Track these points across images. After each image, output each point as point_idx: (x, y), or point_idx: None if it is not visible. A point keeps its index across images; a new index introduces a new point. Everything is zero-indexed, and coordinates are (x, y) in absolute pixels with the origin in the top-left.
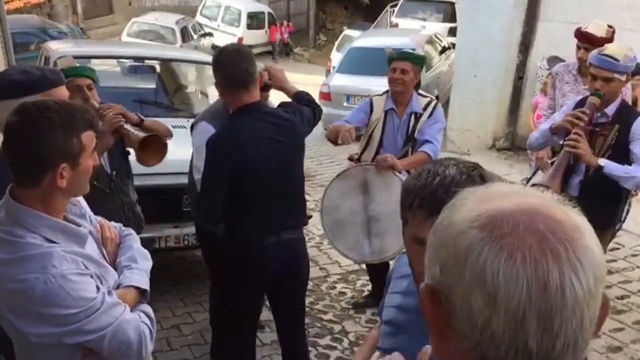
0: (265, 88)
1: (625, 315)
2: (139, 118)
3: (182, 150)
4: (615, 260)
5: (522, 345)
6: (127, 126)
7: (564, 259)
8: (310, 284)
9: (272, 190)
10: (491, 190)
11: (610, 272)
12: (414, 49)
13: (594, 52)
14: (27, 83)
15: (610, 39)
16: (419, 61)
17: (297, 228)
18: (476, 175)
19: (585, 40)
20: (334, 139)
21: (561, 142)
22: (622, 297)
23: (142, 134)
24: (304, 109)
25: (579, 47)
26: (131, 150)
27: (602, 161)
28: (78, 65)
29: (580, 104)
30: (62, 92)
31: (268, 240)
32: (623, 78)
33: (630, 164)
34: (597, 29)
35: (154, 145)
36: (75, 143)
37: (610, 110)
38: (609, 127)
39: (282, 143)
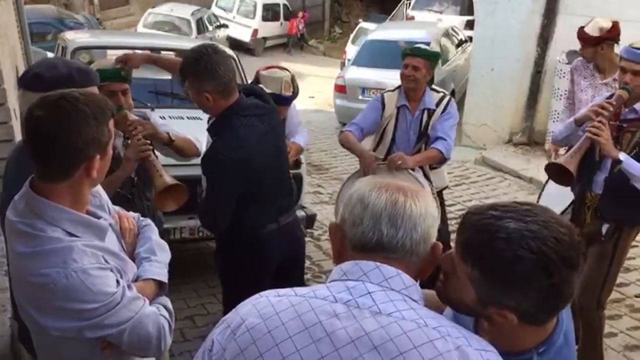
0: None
1: None
2: (169, 137)
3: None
4: (633, 258)
5: (379, 230)
6: (154, 159)
7: (409, 195)
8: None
9: (269, 179)
10: (381, 177)
11: (627, 270)
12: (428, 43)
13: (625, 45)
14: (50, 79)
15: (603, 37)
16: (433, 58)
17: (292, 208)
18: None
19: (579, 38)
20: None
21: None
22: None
23: (167, 179)
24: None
25: None
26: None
27: (622, 155)
28: (114, 68)
29: (610, 99)
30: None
31: (269, 229)
32: None
33: None
34: (592, 28)
35: (174, 193)
36: (106, 133)
37: None
38: (638, 124)
39: (272, 130)
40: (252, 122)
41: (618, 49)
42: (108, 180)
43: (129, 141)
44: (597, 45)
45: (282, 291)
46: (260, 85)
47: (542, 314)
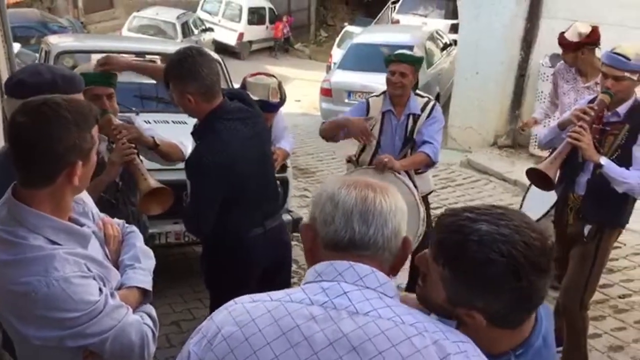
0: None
1: (627, 314)
2: (154, 141)
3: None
4: (617, 259)
5: (351, 228)
6: (139, 163)
7: (378, 191)
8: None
9: (254, 184)
10: (350, 175)
11: (611, 271)
12: (411, 47)
13: (607, 50)
14: (33, 86)
15: (582, 42)
16: (417, 63)
17: (278, 212)
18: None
19: (559, 44)
20: (332, 137)
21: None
22: (624, 296)
23: (151, 182)
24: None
25: None
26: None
27: (603, 160)
28: (97, 71)
29: (593, 102)
30: None
31: (254, 233)
32: (635, 77)
33: None
34: (572, 34)
35: (159, 196)
36: (88, 139)
37: (622, 109)
38: (620, 127)
39: (257, 135)
40: (235, 126)
41: (600, 53)
42: (92, 184)
43: (114, 145)
44: (577, 51)
45: (257, 296)
46: (247, 92)
47: (512, 317)
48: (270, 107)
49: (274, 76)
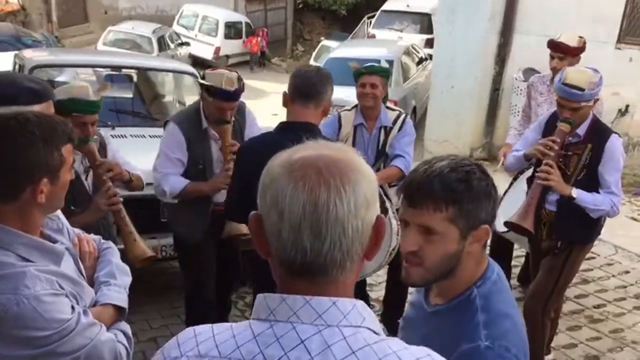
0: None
1: (602, 324)
2: (129, 177)
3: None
4: (591, 270)
5: (301, 246)
6: (125, 215)
7: (332, 187)
8: None
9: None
10: (301, 146)
11: (586, 282)
12: (391, 61)
13: (558, 80)
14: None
15: (582, 48)
16: (386, 74)
17: None
18: (462, 171)
19: (560, 50)
20: None
21: (533, 175)
22: (598, 306)
23: (144, 247)
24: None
25: (552, 57)
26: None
27: (575, 192)
28: (90, 100)
29: (551, 119)
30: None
31: None
32: (591, 103)
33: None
34: (570, 39)
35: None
36: (56, 157)
37: (582, 130)
38: (582, 147)
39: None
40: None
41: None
42: (76, 220)
43: (92, 171)
44: (576, 56)
45: (200, 337)
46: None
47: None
48: (224, 94)
49: (236, 72)
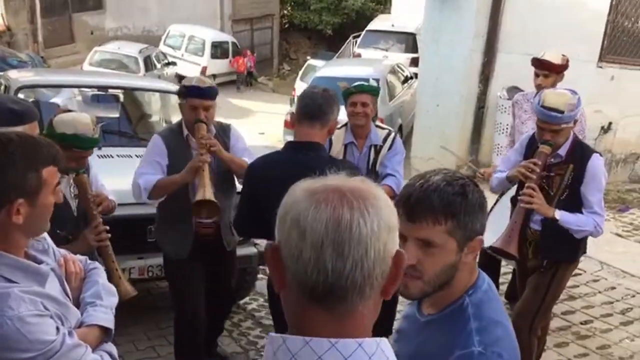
0: None
1: (589, 341)
2: (111, 208)
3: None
4: (577, 286)
5: (323, 266)
6: (112, 252)
7: (355, 207)
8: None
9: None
10: (323, 177)
11: (572, 298)
12: (378, 79)
13: (537, 103)
14: None
15: (566, 66)
16: (376, 92)
17: None
18: (457, 185)
19: (544, 67)
20: None
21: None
22: (585, 323)
23: (128, 287)
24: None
25: (537, 75)
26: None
27: (558, 214)
28: (92, 137)
29: (531, 140)
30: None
31: None
32: (571, 124)
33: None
34: (554, 57)
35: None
36: (33, 179)
37: (563, 150)
38: (564, 167)
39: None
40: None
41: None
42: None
43: (82, 203)
44: (559, 73)
45: None
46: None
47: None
48: (195, 90)
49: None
